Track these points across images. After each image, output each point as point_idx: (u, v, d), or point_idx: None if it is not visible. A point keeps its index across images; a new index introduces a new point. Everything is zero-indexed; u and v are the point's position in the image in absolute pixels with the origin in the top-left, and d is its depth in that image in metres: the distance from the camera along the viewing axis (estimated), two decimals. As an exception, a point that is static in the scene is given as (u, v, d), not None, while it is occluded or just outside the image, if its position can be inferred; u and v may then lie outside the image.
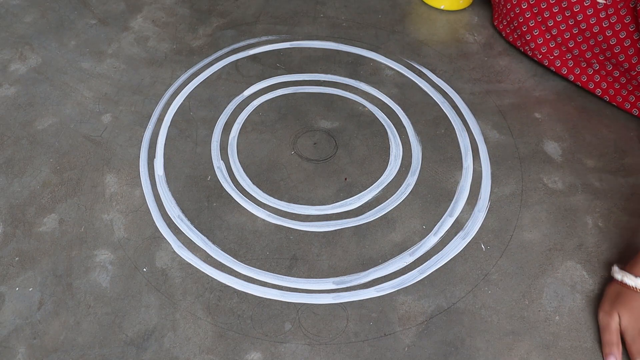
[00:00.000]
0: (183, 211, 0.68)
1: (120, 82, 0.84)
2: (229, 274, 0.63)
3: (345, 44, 0.92)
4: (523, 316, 0.60)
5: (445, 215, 0.69)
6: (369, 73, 0.87)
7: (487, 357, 0.57)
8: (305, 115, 0.80)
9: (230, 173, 0.73)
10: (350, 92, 0.84)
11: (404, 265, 0.64)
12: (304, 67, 0.87)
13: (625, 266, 0.61)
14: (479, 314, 0.60)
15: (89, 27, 0.93)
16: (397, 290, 0.62)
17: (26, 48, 0.88)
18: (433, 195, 0.71)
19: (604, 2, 0.76)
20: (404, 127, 0.79)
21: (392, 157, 0.75)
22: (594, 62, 0.82)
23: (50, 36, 0.90)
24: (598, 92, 0.83)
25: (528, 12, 0.85)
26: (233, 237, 0.66)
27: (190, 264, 0.63)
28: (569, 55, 0.84)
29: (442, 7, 0.99)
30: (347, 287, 0.62)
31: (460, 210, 0.70)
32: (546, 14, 0.83)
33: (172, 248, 0.65)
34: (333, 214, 0.69)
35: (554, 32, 0.83)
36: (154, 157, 0.74)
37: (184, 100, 0.81)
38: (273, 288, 0.62)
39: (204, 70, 0.86)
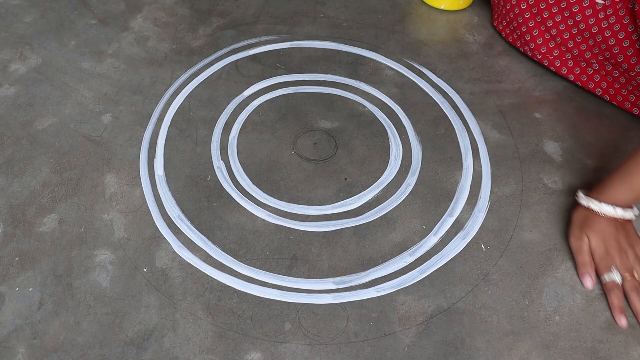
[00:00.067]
0: (183, 211, 0.68)
1: (120, 82, 0.84)
2: (229, 274, 0.63)
3: (345, 44, 0.92)
4: (523, 316, 0.60)
5: (445, 215, 0.69)
6: (369, 73, 0.87)
7: (487, 357, 0.57)
8: (305, 115, 0.80)
9: (230, 173, 0.73)
10: (350, 92, 0.84)
11: (404, 265, 0.64)
12: (304, 67, 0.87)
13: (590, 192, 0.66)
14: (479, 314, 0.60)
15: (89, 27, 0.93)
16: (397, 290, 0.62)
17: (26, 48, 0.88)
18: (433, 195, 0.71)
19: (603, 2, 0.76)
20: (404, 127, 0.79)
21: (392, 157, 0.75)
22: (594, 62, 0.82)
23: (50, 36, 0.90)
24: (598, 91, 0.83)
25: (527, 12, 0.85)
26: (233, 237, 0.66)
27: (190, 264, 0.63)
28: (568, 55, 0.84)
29: (442, 7, 0.99)
30: (347, 287, 0.62)
31: (460, 210, 0.70)
32: (545, 14, 0.83)
33: (172, 248, 0.65)
34: (333, 214, 0.69)
35: (554, 32, 0.83)
36: (154, 157, 0.74)
37: (184, 100, 0.81)
38: (273, 288, 0.62)
39: (204, 70, 0.86)
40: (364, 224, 0.68)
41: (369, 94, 0.84)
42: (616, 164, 0.75)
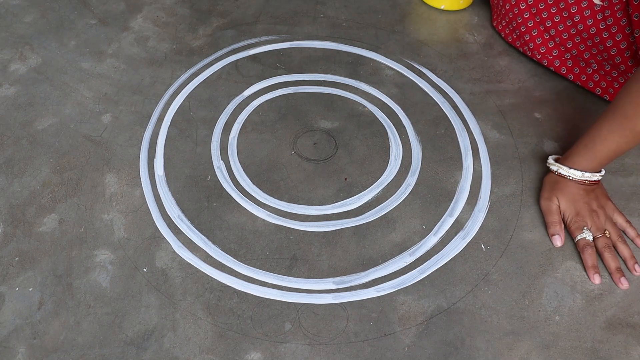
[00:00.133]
0: (183, 211, 0.68)
1: (120, 82, 0.84)
2: (229, 274, 0.63)
3: (345, 44, 0.92)
4: (523, 316, 0.60)
5: (445, 215, 0.69)
6: (369, 73, 0.87)
7: (487, 357, 0.57)
8: (305, 115, 0.80)
9: (230, 173, 0.73)
10: (350, 92, 0.84)
11: (404, 265, 0.64)
12: (304, 67, 0.87)
13: (560, 159, 0.70)
14: (479, 314, 0.60)
15: (89, 27, 0.93)
16: (397, 290, 0.62)
17: (26, 48, 0.88)
18: (433, 195, 0.71)
19: (601, 3, 0.76)
20: (404, 127, 0.79)
21: (392, 157, 0.75)
22: (592, 62, 0.82)
23: (50, 36, 0.90)
24: (598, 91, 0.83)
25: (527, 12, 0.85)
26: (233, 237, 0.66)
27: (190, 264, 0.63)
28: (567, 55, 0.84)
29: (442, 7, 0.99)
30: (347, 287, 0.62)
31: (460, 210, 0.70)
32: (544, 15, 0.83)
33: (172, 248, 0.65)
34: (333, 214, 0.69)
35: (552, 32, 0.83)
36: (154, 157, 0.74)
37: (184, 100, 0.81)
38: (273, 288, 0.62)
39: (204, 70, 0.86)
40: (364, 224, 0.68)
41: (369, 94, 0.84)
42: (615, 163, 0.75)
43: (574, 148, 0.68)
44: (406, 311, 0.60)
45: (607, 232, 0.65)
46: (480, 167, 0.75)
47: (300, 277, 0.63)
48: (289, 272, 0.63)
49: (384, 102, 0.83)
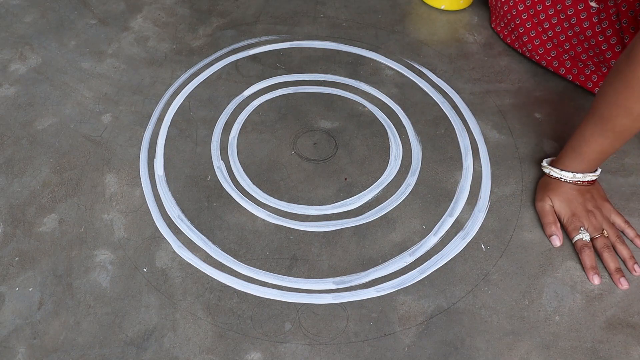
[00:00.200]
0: (183, 211, 0.68)
1: (120, 82, 0.84)
2: (229, 274, 0.63)
3: (345, 44, 0.92)
4: (523, 316, 0.60)
5: (445, 215, 0.69)
6: (369, 73, 0.87)
7: (487, 357, 0.57)
8: (305, 115, 0.80)
9: (230, 173, 0.73)
10: (350, 92, 0.84)
11: (404, 265, 0.64)
12: (304, 67, 0.87)
13: (553, 161, 0.71)
14: (479, 314, 0.60)
15: (89, 27, 0.93)
16: (397, 290, 0.62)
17: (26, 48, 0.88)
18: (433, 195, 0.71)
19: (597, 6, 0.76)
20: (404, 127, 0.79)
21: (392, 157, 0.75)
22: (590, 64, 0.82)
23: (50, 36, 0.90)
24: (597, 90, 0.83)
25: (525, 13, 0.85)
26: (233, 237, 0.66)
27: (190, 264, 0.63)
28: (566, 56, 0.84)
29: (442, 7, 0.99)
30: (347, 287, 0.62)
31: (460, 210, 0.70)
32: (542, 16, 0.83)
33: (172, 248, 0.65)
34: (333, 214, 0.69)
35: (550, 33, 0.83)
36: (154, 157, 0.74)
37: (184, 100, 0.81)
38: (273, 288, 0.62)
39: (204, 70, 0.86)
40: (364, 224, 0.68)
41: (369, 94, 0.84)
42: (615, 163, 0.75)
43: (563, 150, 0.69)
44: (406, 311, 0.60)
45: (605, 232, 0.65)
46: (480, 167, 0.75)
47: (300, 277, 0.63)
48: (289, 272, 0.63)
49: (384, 102, 0.83)
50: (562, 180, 0.68)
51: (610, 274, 0.63)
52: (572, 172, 0.67)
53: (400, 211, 0.69)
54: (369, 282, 0.63)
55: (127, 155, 0.74)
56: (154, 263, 0.63)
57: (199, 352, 0.56)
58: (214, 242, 0.65)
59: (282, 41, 0.92)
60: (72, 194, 0.69)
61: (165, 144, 0.76)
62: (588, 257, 0.64)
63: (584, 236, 0.65)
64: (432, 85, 0.85)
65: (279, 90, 0.84)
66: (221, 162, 0.74)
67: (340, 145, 0.77)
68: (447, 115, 0.81)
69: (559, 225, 0.67)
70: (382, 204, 0.70)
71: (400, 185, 0.72)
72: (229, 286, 0.62)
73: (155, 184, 0.71)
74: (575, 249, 0.65)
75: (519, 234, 0.67)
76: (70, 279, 0.61)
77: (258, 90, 0.83)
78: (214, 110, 0.80)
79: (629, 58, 0.57)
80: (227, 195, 0.70)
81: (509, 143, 0.78)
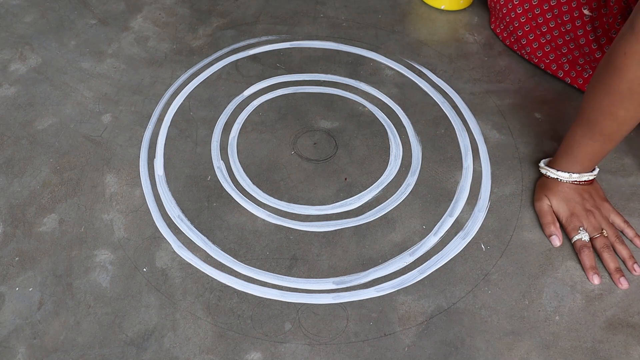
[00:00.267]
0: (183, 211, 0.68)
1: (120, 82, 0.84)
2: (229, 274, 0.63)
3: (345, 44, 0.92)
4: (523, 316, 0.60)
5: (445, 215, 0.69)
6: (369, 73, 0.87)
7: (487, 357, 0.57)
8: (305, 115, 0.80)
9: (230, 173, 0.73)
10: (350, 92, 0.84)
11: (404, 265, 0.64)
12: (304, 67, 0.87)
13: (550, 162, 0.70)
14: (479, 314, 0.60)
15: (89, 27, 0.93)
16: (397, 290, 0.62)
17: (26, 48, 0.88)
18: (433, 195, 0.71)
19: (590, 14, 0.76)
20: (404, 127, 0.79)
21: (392, 157, 0.75)
22: (587, 67, 0.82)
23: (50, 36, 0.90)
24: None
25: (523, 16, 0.86)
26: (233, 237, 0.66)
27: (190, 264, 0.63)
28: (563, 59, 0.84)
29: (442, 7, 0.99)
30: (347, 287, 0.62)
31: (460, 210, 0.70)
32: (540, 20, 0.84)
33: (172, 248, 0.65)
34: (333, 214, 0.69)
35: (548, 37, 0.84)
36: (154, 157, 0.74)
37: (184, 100, 0.81)
38: (273, 288, 0.62)
39: (204, 70, 0.86)
40: (364, 224, 0.68)
41: (369, 94, 0.84)
42: (615, 163, 0.75)
43: (557, 152, 0.69)
44: (406, 311, 0.60)
45: (604, 232, 0.65)
46: (480, 167, 0.75)
47: (300, 277, 0.63)
48: (289, 272, 0.63)
49: (384, 102, 0.83)
50: (559, 180, 0.68)
51: (610, 274, 0.63)
52: (569, 173, 0.67)
53: (400, 211, 0.69)
54: (369, 282, 0.63)
55: (127, 155, 0.74)
56: (154, 263, 0.63)
57: (199, 352, 0.56)
58: (214, 242, 0.65)
59: (282, 41, 0.92)
60: (72, 194, 0.69)
61: (165, 144, 0.76)
62: (587, 257, 0.63)
63: (583, 236, 0.65)
64: (432, 85, 0.85)
65: (279, 90, 0.84)
66: (221, 162, 0.74)
67: (340, 145, 0.77)
68: (447, 115, 0.81)
69: (558, 225, 0.67)
70: (382, 204, 0.70)
71: (400, 185, 0.72)
72: (229, 286, 0.62)
73: (155, 184, 0.71)
74: (575, 249, 0.65)
75: (519, 234, 0.67)
76: (70, 279, 0.61)
77: (258, 90, 0.83)
78: (214, 110, 0.80)
79: (608, 64, 0.57)
80: (227, 195, 0.70)
81: (509, 143, 0.78)
